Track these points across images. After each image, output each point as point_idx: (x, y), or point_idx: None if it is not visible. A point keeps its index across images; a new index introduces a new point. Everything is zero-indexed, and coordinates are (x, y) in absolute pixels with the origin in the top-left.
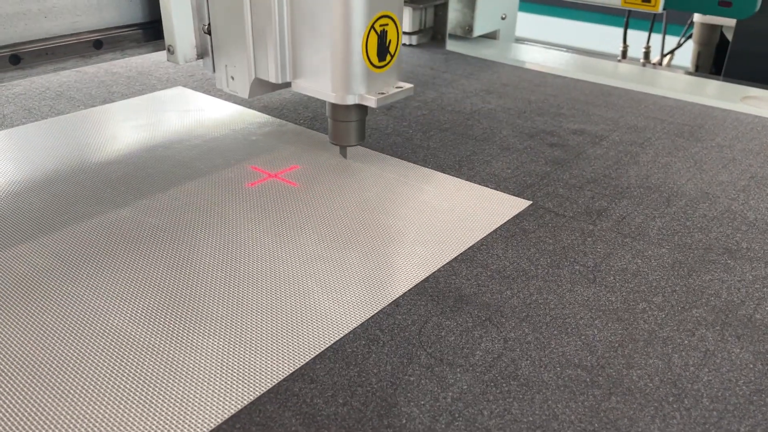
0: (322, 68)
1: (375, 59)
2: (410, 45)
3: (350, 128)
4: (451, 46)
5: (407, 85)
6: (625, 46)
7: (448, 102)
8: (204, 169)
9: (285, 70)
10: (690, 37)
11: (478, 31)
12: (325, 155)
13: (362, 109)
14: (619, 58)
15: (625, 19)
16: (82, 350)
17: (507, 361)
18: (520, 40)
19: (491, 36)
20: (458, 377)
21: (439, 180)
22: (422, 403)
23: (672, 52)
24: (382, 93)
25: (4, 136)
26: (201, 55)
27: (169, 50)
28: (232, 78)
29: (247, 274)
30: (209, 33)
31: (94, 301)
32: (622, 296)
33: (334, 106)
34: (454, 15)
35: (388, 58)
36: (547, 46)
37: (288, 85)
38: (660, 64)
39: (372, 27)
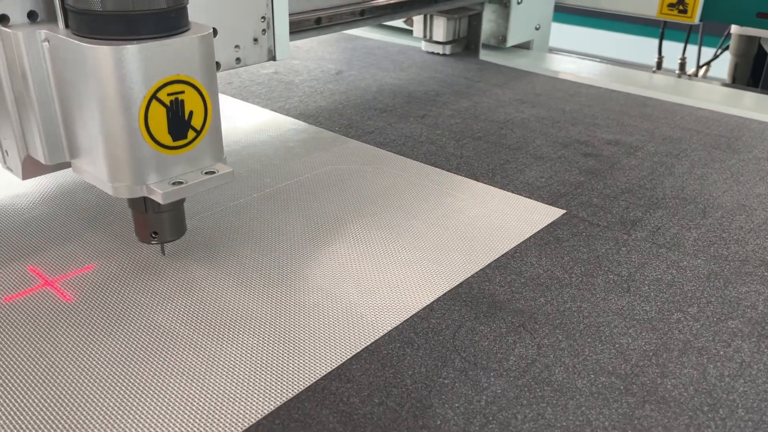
0: (95, 150)
1: (165, 138)
2: (443, 54)
3: (150, 222)
4: (485, 56)
5: (224, 169)
6: (661, 57)
7: (481, 111)
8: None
9: (58, 149)
10: (727, 48)
11: (511, 41)
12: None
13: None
14: (654, 69)
15: (661, 30)
16: (129, 345)
17: (540, 367)
18: (553, 51)
19: (524, 46)
20: (492, 381)
21: (473, 188)
22: (456, 405)
23: (708, 63)
24: (179, 182)
25: None
26: None
27: None
28: (7, 153)
29: (286, 276)
30: None
31: (141, 300)
32: (657, 306)
33: None
34: (488, 25)
35: (191, 135)
36: (580, 57)
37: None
38: (696, 75)
39: (154, 96)
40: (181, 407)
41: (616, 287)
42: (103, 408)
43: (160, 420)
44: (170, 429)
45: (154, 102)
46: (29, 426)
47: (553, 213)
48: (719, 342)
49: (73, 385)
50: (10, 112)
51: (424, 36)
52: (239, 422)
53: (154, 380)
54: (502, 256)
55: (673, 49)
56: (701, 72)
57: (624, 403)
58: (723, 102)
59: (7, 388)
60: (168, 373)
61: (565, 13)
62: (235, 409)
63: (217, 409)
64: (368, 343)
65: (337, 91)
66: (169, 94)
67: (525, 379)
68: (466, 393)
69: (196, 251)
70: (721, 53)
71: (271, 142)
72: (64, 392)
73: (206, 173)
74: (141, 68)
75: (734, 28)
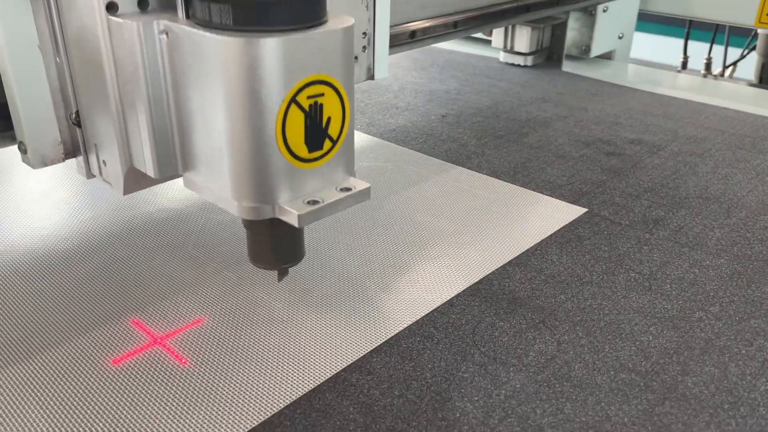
0: (217, 162)
1: (301, 150)
2: (524, 66)
3: (273, 246)
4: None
5: (361, 185)
6: (686, 57)
7: (502, 110)
8: None
9: (169, 160)
10: (754, 48)
11: (596, 51)
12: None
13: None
14: (678, 69)
15: (686, 29)
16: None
17: (560, 363)
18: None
19: (607, 56)
20: (511, 376)
21: (494, 186)
22: (476, 399)
23: (734, 63)
24: (315, 201)
25: None
26: (72, 152)
27: (20, 149)
28: (104, 163)
29: (309, 271)
30: (78, 124)
31: (162, 288)
32: (679, 304)
33: None
34: (570, 34)
35: (327, 145)
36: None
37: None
38: (722, 75)
39: (293, 100)
40: (204, 397)
41: (638, 285)
42: None
43: (182, 411)
44: (197, 418)
45: (293, 106)
46: None
47: (575, 211)
48: (741, 341)
49: None
50: (114, 116)
51: (505, 47)
52: (261, 411)
53: (177, 370)
54: (523, 253)
55: (698, 50)
56: (727, 72)
57: (644, 399)
58: (749, 102)
59: None
60: (190, 363)
61: (646, 22)
62: (257, 399)
63: (239, 399)
64: (389, 337)
65: (449, 123)
66: (308, 97)
67: (544, 374)
68: (485, 387)
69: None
70: (747, 53)
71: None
72: None
73: (341, 189)
74: (282, 66)
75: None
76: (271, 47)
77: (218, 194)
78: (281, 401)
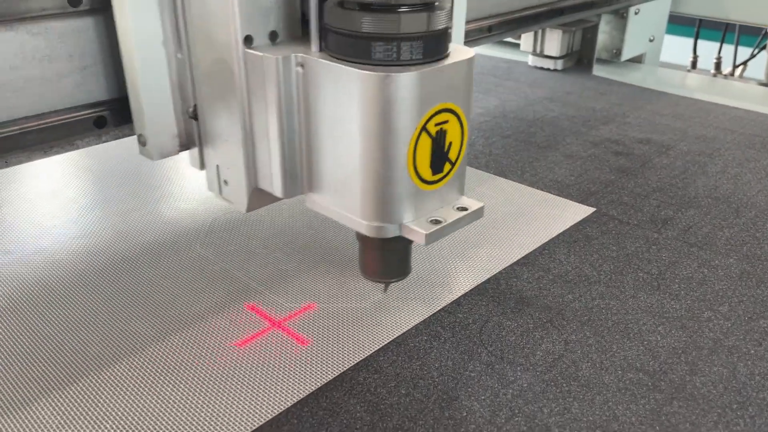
0: (347, 184)
1: (426, 172)
2: (554, 70)
3: (388, 259)
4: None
5: (475, 205)
6: (695, 57)
7: (510, 109)
8: None
9: (295, 181)
10: (764, 47)
11: (627, 55)
12: None
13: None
14: (688, 68)
15: (696, 28)
16: (162, 331)
17: (567, 363)
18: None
19: (637, 60)
20: (518, 375)
21: (501, 185)
22: (482, 398)
23: (745, 63)
24: (437, 220)
25: None
26: (186, 145)
27: (140, 141)
28: (226, 183)
29: (314, 269)
30: (195, 118)
31: (173, 289)
32: (687, 304)
33: None
34: (601, 37)
35: (447, 168)
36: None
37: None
38: (732, 75)
39: (424, 128)
40: (210, 396)
41: (646, 285)
42: None
43: (188, 407)
44: (206, 410)
45: (423, 134)
46: None
47: (583, 211)
48: (750, 341)
49: None
50: (242, 141)
51: (534, 50)
52: (268, 409)
53: (184, 365)
54: (531, 252)
55: (708, 49)
56: (737, 71)
57: (651, 399)
58: (759, 101)
59: None
60: (198, 363)
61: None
62: (264, 397)
63: (245, 397)
64: (395, 336)
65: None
66: (436, 125)
67: (552, 373)
68: (492, 386)
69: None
70: (758, 53)
71: None
72: None
73: (458, 209)
74: (417, 96)
75: None
76: (409, 80)
77: (344, 214)
78: (288, 399)
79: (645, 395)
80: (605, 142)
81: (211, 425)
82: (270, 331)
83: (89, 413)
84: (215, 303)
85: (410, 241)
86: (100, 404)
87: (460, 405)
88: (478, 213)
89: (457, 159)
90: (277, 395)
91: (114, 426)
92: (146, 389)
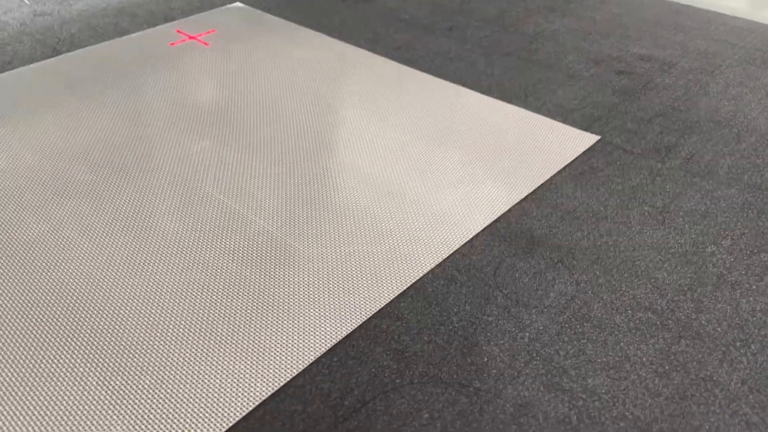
0: None
1: None
2: None
3: None
4: None
5: None
6: None
7: (509, 21)
8: None
9: None
10: None
11: None
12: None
13: None
14: None
15: None
16: (173, 279)
17: (580, 304)
18: None
19: None
20: (534, 318)
21: (506, 111)
22: (501, 342)
23: None
24: None
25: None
26: None
27: None
28: None
29: (327, 210)
30: None
31: (185, 235)
32: (691, 238)
33: None
34: None
35: None
36: None
37: None
38: None
39: None
40: (229, 348)
41: (651, 219)
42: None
43: (208, 357)
44: (239, 358)
45: None
46: None
47: (588, 140)
48: (752, 276)
49: None
50: None
51: None
52: (300, 359)
53: (202, 314)
54: (539, 188)
55: None
56: None
57: (660, 338)
58: (759, 6)
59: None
60: (215, 309)
61: None
62: (293, 346)
63: (275, 346)
64: (413, 281)
65: None
66: None
67: (565, 315)
68: (509, 330)
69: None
70: None
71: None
72: None
73: None
74: None
75: None
76: None
77: None
78: (316, 349)
79: (654, 334)
80: (607, 59)
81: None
82: None
83: None
84: None
85: None
86: None
87: (481, 350)
88: None
89: None
90: (308, 341)
91: None
92: None
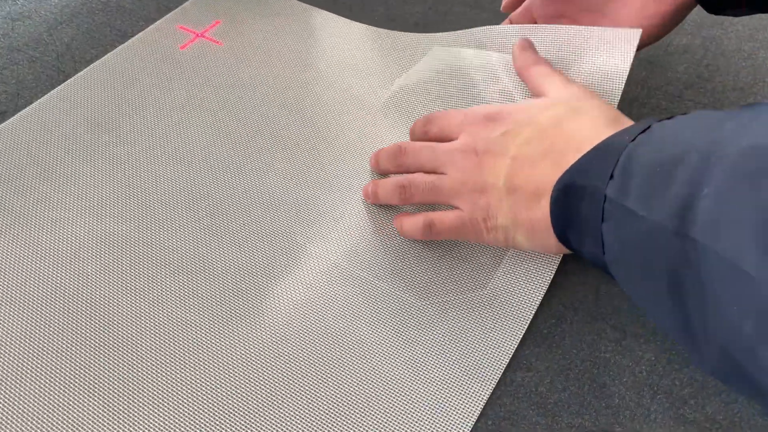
0: None
1: None
2: None
3: None
4: None
5: None
6: None
7: None
8: None
9: None
10: None
11: None
12: None
13: None
14: None
15: None
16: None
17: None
18: None
19: None
20: (644, 348)
21: None
22: (624, 380)
23: None
24: None
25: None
26: None
27: None
28: None
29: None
30: None
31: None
32: None
33: None
34: None
35: None
36: None
37: None
38: None
39: None
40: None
41: None
42: None
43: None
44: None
45: None
46: None
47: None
48: None
49: None
50: None
51: None
52: (460, 424)
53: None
54: None
55: None
56: None
57: None
58: None
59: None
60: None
61: None
62: (453, 415)
63: (435, 412)
64: (528, 324)
65: None
66: None
67: (669, 340)
68: (627, 365)
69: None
70: None
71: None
72: None
73: None
74: None
75: None
76: None
77: None
78: (471, 417)
79: None
80: None
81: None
82: None
83: None
84: None
85: None
86: None
87: (610, 391)
88: None
89: None
90: (461, 404)
91: None
92: None
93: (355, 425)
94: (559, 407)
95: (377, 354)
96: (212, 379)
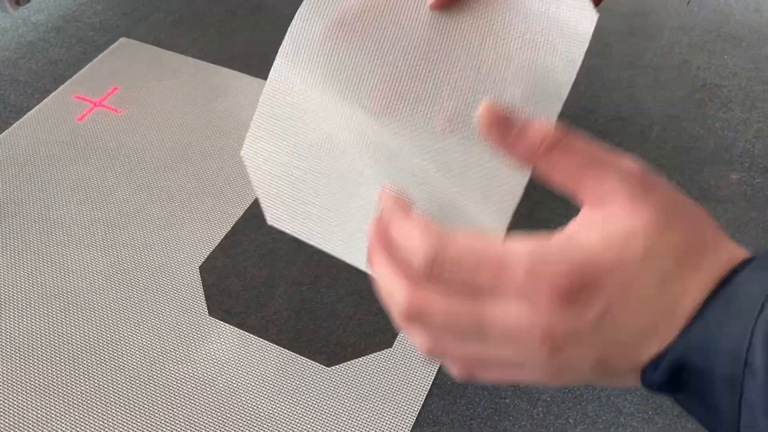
0: None
1: None
2: None
3: None
4: None
5: None
6: None
7: None
8: None
9: None
10: None
11: None
12: None
13: None
14: None
15: None
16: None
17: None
18: None
19: None
20: (541, 390)
21: None
22: (523, 423)
23: None
24: None
25: None
26: None
27: None
28: None
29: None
30: None
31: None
32: None
33: None
34: None
35: None
36: None
37: None
38: None
39: None
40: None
41: None
42: None
43: None
44: None
45: None
46: None
47: None
48: None
49: None
50: None
51: None
52: None
53: None
54: None
55: None
56: None
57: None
58: None
59: None
60: None
61: None
62: None
63: None
64: (433, 377)
65: None
66: None
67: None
68: (525, 408)
69: None
70: None
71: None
72: None
73: None
74: None
75: None
76: None
77: None
78: None
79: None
80: None
81: None
82: None
83: None
84: None
85: None
86: None
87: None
88: None
89: None
90: None
91: None
92: None
93: None
94: None
95: None
96: None
